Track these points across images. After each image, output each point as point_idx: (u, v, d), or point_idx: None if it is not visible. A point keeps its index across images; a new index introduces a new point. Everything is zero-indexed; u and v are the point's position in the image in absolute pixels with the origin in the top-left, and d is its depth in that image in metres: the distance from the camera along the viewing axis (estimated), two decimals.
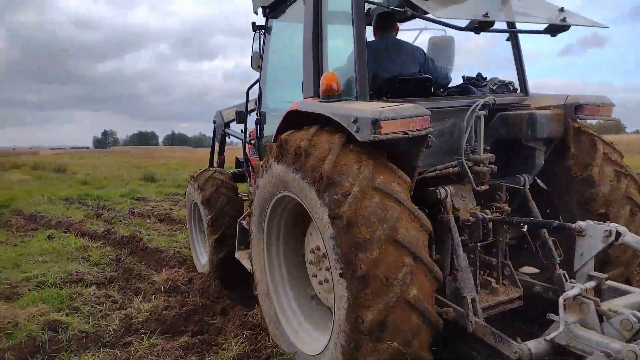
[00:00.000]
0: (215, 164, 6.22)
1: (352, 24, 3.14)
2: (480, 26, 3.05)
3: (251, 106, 5.01)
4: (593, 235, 2.58)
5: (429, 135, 2.71)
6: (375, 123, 2.54)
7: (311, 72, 3.44)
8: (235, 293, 4.96)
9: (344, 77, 3.30)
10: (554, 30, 3.31)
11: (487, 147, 3.29)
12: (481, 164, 3.17)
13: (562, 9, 3.32)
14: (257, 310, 3.95)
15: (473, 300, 2.80)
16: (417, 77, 3.73)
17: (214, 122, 6.38)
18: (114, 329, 3.98)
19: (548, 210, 3.61)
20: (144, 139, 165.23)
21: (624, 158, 3.53)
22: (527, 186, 3.46)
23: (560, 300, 2.34)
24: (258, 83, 4.58)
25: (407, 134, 2.60)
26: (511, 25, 3.65)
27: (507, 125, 3.50)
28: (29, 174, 21.75)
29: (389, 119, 2.55)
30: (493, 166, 3.23)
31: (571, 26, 3.26)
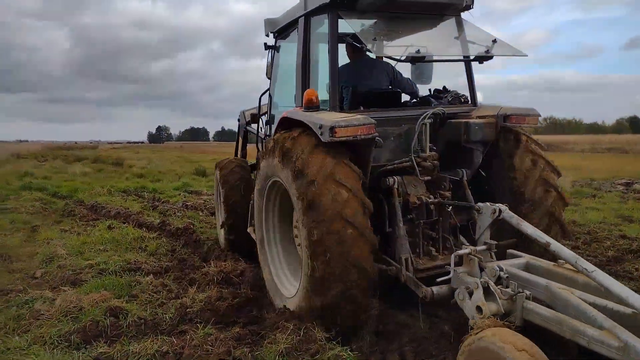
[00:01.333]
0: (239, 156, 7.11)
1: (328, 53, 4.18)
2: (414, 59, 4.30)
3: (263, 110, 5.94)
4: (485, 212, 3.47)
5: (377, 138, 3.65)
6: (332, 129, 3.51)
7: (300, 87, 4.44)
8: None
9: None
10: (481, 58, 4.37)
11: (433, 148, 4.21)
12: (426, 161, 4.10)
13: (494, 40, 4.27)
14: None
15: (406, 259, 3.76)
16: (387, 91, 4.87)
17: (238, 120, 7.23)
18: (170, 317, 4.13)
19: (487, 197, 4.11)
20: (195, 134, 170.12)
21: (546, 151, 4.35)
22: (465, 178, 4.28)
23: (452, 256, 3.26)
24: (268, 91, 5.59)
25: (356, 137, 3.56)
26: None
27: (451, 131, 4.33)
28: (90, 167, 22.88)
29: (342, 126, 3.52)
30: (436, 162, 4.15)
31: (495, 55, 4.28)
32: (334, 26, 4.16)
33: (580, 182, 14.80)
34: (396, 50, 4.40)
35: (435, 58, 4.62)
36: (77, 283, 5.09)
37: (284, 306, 4.02)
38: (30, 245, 7.24)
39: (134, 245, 6.85)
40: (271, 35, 5.45)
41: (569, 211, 9.60)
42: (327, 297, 3.44)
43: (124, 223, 8.38)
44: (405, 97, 5.15)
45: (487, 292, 2.92)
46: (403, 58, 4.21)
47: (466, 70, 4.73)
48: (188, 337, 3.71)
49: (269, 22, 5.40)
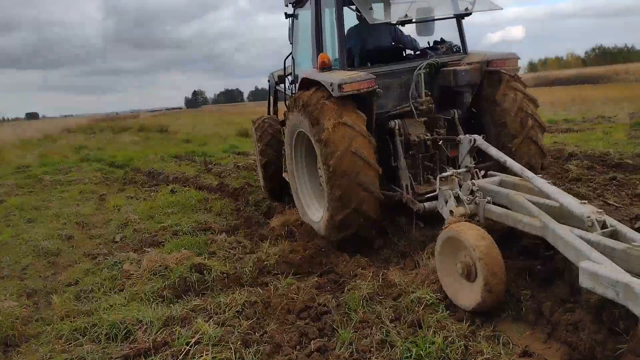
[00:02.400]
0: (271, 113, 7.76)
1: (335, 21, 5.00)
2: (404, 22, 5.26)
3: (288, 71, 6.66)
4: (464, 142, 4.28)
5: (377, 90, 4.51)
6: (340, 86, 4.39)
7: (315, 51, 5.23)
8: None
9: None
10: (460, 16, 5.32)
11: (428, 93, 4.92)
12: (423, 105, 4.85)
13: None
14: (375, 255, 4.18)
15: (407, 185, 4.71)
16: (390, 48, 5.72)
17: (268, 81, 7.89)
18: (250, 271, 4.34)
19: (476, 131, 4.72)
20: (230, 96, 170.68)
21: (527, 87, 5.02)
22: (457, 117, 5.06)
23: (437, 178, 4.17)
24: (291, 54, 6.35)
25: (360, 90, 4.42)
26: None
27: (443, 77, 5.06)
28: (137, 136, 23.62)
29: (348, 83, 4.39)
30: (431, 105, 4.87)
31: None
32: (339, 6, 5.00)
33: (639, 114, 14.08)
34: (388, 15, 5.47)
35: (421, 19, 5.48)
36: (156, 244, 5.40)
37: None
38: (102, 212, 7.69)
39: (198, 207, 7.15)
40: (290, 5, 6.18)
41: (631, 145, 9.23)
42: (344, 212, 4.38)
43: (184, 186, 8.70)
44: (409, 51, 5.94)
45: (459, 200, 3.87)
46: (394, 22, 5.32)
47: (456, 23, 5.48)
48: (272, 287, 3.92)
49: None
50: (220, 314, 3.54)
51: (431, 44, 5.71)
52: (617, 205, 5.33)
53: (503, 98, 4.88)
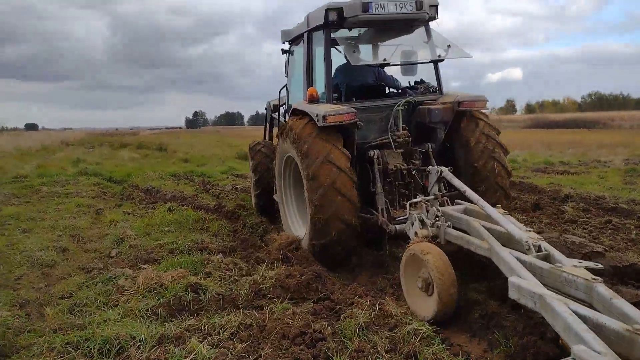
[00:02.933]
0: (267, 138, 8.45)
1: (323, 60, 5.59)
2: (383, 65, 6.27)
3: (282, 101, 7.34)
4: (432, 172, 4.95)
5: (358, 122, 5.06)
6: (324, 117, 4.90)
7: (305, 85, 5.87)
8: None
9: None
10: (435, 61, 5.93)
11: (405, 127, 5.57)
12: (400, 137, 5.48)
13: (449, 45, 5.73)
14: (378, 278, 4.16)
15: (382, 209, 5.21)
16: (373, 85, 6.35)
17: (266, 109, 8.68)
18: (245, 293, 4.32)
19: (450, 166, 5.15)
20: (230, 119, 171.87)
21: (500, 134, 5.57)
22: (430, 150, 5.63)
23: (407, 204, 4.70)
24: (286, 86, 7.04)
25: (342, 122, 4.95)
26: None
27: (419, 114, 5.66)
28: (136, 153, 23.68)
29: (331, 115, 4.91)
30: (407, 139, 5.52)
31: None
32: (327, 40, 5.60)
33: (634, 160, 14.30)
34: (369, 57, 6.47)
35: (399, 62, 6.12)
36: (152, 261, 5.39)
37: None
38: (98, 227, 7.67)
39: (195, 226, 7.14)
40: (287, 42, 6.88)
41: (625, 191, 9.36)
42: (324, 240, 4.96)
43: (182, 205, 8.70)
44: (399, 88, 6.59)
45: (423, 223, 4.43)
46: (374, 64, 6.26)
47: (434, 67, 6.03)
48: (267, 311, 3.91)
49: (284, 33, 6.84)
50: (214, 335, 3.52)
51: (412, 84, 6.41)
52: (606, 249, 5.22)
53: (476, 143, 5.42)
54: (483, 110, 5.66)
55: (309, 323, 3.66)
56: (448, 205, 4.69)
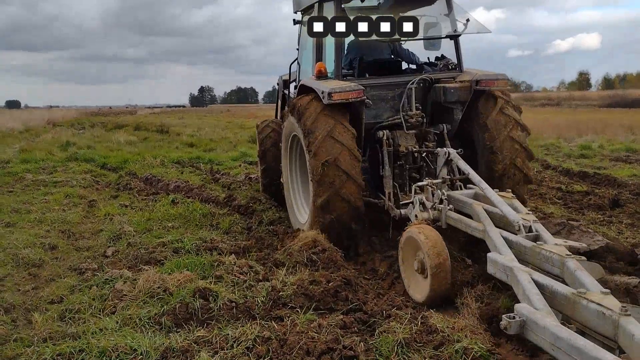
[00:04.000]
0: (278, 117, 8.91)
1: (335, 38, 6.09)
2: (393, 40, 6.70)
3: (293, 76, 7.85)
4: (440, 155, 5.67)
5: (366, 100, 5.63)
6: (330, 94, 5.45)
7: (314, 59, 6.40)
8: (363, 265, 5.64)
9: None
10: (450, 37, 6.43)
11: (419, 107, 6.07)
12: (412, 118, 6.00)
13: (467, 20, 6.15)
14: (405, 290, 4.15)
15: (389, 193, 5.80)
16: (388, 60, 6.92)
17: (277, 84, 9.27)
18: (262, 301, 4.39)
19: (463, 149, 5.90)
20: (242, 95, 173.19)
21: (522, 113, 6.16)
22: (445, 131, 6.13)
23: (413, 187, 5.31)
24: (297, 60, 7.56)
25: (348, 99, 5.49)
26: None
27: (435, 93, 6.13)
28: (133, 135, 24.11)
29: (337, 92, 5.45)
30: (420, 119, 6.04)
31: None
32: (338, 12, 6.05)
33: None
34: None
35: (415, 37, 6.44)
36: (154, 262, 5.52)
37: (299, 229, 6.15)
38: (91, 221, 7.89)
39: (203, 222, 7.28)
40: (299, 12, 7.23)
41: None
42: (325, 220, 5.53)
43: (188, 197, 8.87)
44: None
45: (424, 207, 5.09)
46: (385, 38, 6.50)
47: (454, 42, 6.48)
48: (288, 322, 3.96)
49: (295, 2, 7.30)
50: (227, 349, 3.60)
51: (433, 60, 6.86)
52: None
53: (494, 122, 5.89)
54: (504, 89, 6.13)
55: (337, 338, 3.69)
56: (461, 188, 5.39)
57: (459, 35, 6.34)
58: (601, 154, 14.28)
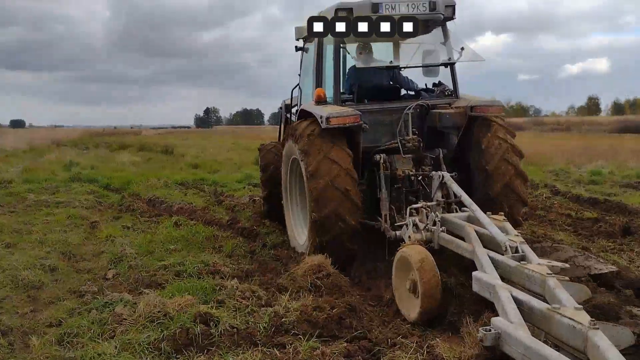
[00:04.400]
0: (281, 140, 8.96)
1: (333, 64, 6.61)
2: (389, 67, 7.04)
3: (295, 101, 8.20)
4: (435, 178, 5.90)
5: (363, 125, 5.89)
6: (328, 119, 5.74)
7: (314, 85, 6.73)
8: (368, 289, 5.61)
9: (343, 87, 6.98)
10: (444, 64, 6.77)
11: (415, 132, 6.32)
12: (409, 142, 6.24)
13: (462, 48, 6.53)
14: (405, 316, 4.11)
15: (385, 215, 6.03)
16: (387, 87, 7.29)
17: (280, 108, 9.51)
18: (264, 327, 4.37)
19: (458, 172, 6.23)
20: (248, 117, 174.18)
21: (515, 137, 6.39)
22: (441, 155, 6.39)
23: (408, 209, 5.56)
24: (298, 85, 7.92)
25: (345, 124, 5.79)
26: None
27: (431, 119, 6.46)
28: (137, 156, 24.27)
29: (334, 117, 5.76)
30: (417, 143, 6.26)
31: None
32: (337, 46, 6.64)
33: None
34: (374, 62, 7.02)
35: (411, 64, 7.04)
36: (155, 285, 5.50)
37: (301, 252, 6.39)
38: (92, 243, 7.89)
39: (206, 245, 7.28)
40: (301, 39, 7.63)
41: None
42: (323, 239, 5.75)
43: (191, 219, 8.87)
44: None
45: (417, 228, 5.34)
46: (381, 66, 6.97)
47: (450, 69, 6.81)
48: (290, 350, 3.93)
49: (298, 30, 7.61)
50: None
51: (431, 86, 7.24)
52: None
53: (489, 146, 6.15)
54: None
55: None
56: (457, 211, 5.68)
57: (454, 63, 6.70)
58: (611, 180, 14.22)
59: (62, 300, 5.33)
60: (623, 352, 2.83)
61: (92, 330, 4.41)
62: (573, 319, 3.06)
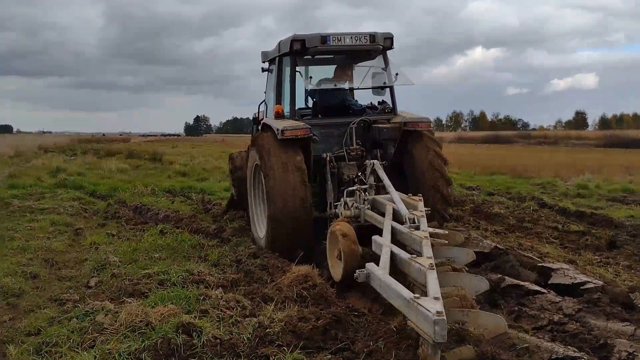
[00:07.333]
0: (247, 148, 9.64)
1: (289, 82, 7.82)
2: (333, 89, 8.19)
3: (261, 115, 9.44)
4: (368, 166, 6.99)
5: (313, 137, 7.12)
6: (282, 131, 6.84)
7: (274, 102, 8.09)
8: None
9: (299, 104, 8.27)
10: (380, 88, 8.15)
11: (359, 142, 7.58)
12: (353, 152, 7.48)
13: (397, 73, 7.82)
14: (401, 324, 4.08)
15: (330, 202, 7.20)
16: (338, 105, 8.31)
17: (252, 120, 10.35)
18: (248, 338, 4.29)
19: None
20: (238, 125, 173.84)
21: (442, 147, 7.61)
22: (379, 155, 7.47)
23: (345, 191, 6.53)
24: (264, 101, 9.25)
25: (297, 136, 6.89)
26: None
27: (372, 132, 7.69)
28: (125, 163, 24.09)
29: (288, 129, 6.85)
30: (359, 152, 7.51)
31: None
32: (292, 66, 7.77)
33: None
34: (322, 84, 8.20)
35: (354, 86, 8.37)
36: (138, 294, 5.40)
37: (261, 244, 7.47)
38: (76, 250, 7.80)
39: (192, 253, 7.19)
40: (267, 62, 9.12)
41: None
42: (278, 233, 6.79)
43: (177, 228, 8.79)
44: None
45: (348, 206, 6.30)
46: (328, 88, 8.17)
47: (389, 90, 8.08)
48: None
49: (263, 54, 9.14)
50: None
51: (371, 104, 8.53)
52: None
53: (419, 154, 7.32)
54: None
55: None
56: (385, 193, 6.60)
57: (389, 86, 7.98)
58: (598, 193, 14.31)
59: (42, 309, 5.22)
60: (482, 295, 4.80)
61: (71, 340, 4.30)
62: (420, 263, 4.20)
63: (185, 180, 17.26)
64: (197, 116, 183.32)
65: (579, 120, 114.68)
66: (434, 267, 4.04)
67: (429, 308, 3.36)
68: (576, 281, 5.64)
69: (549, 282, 5.83)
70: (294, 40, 7.46)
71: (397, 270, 4.59)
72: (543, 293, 5.41)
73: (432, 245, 4.83)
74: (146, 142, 60.76)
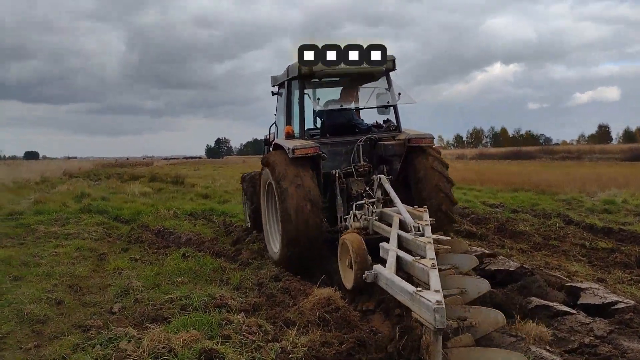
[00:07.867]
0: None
1: (298, 105, 8.16)
2: (340, 109, 8.62)
3: (272, 137, 9.85)
4: (375, 180, 7.42)
5: (322, 154, 7.38)
6: (293, 150, 7.15)
7: (284, 123, 8.48)
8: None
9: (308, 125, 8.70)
10: (384, 107, 8.45)
11: (366, 159, 7.90)
12: (361, 168, 7.77)
13: (399, 93, 8.17)
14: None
15: (340, 217, 7.48)
16: (346, 124, 8.73)
17: (264, 141, 10.93)
18: None
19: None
20: (258, 147, 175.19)
21: (448, 167, 7.93)
22: (386, 177, 7.49)
23: (354, 205, 7.00)
24: (275, 123, 9.71)
25: (307, 154, 7.20)
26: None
27: (378, 149, 7.98)
28: (148, 187, 24.34)
29: (298, 148, 7.17)
30: (366, 169, 7.79)
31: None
32: (301, 89, 8.15)
33: None
34: (330, 104, 8.65)
35: (360, 106, 8.70)
36: (160, 320, 5.39)
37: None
38: (100, 275, 7.84)
39: (214, 277, 7.18)
40: (276, 86, 9.54)
41: None
42: (294, 250, 7.04)
43: (199, 251, 8.80)
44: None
45: (357, 218, 6.70)
46: (335, 108, 8.58)
47: (393, 109, 8.44)
48: None
49: (273, 78, 9.52)
50: None
51: (377, 123, 8.88)
52: None
53: (424, 175, 7.64)
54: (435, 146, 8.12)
55: None
56: (390, 207, 6.94)
57: (392, 105, 8.36)
58: (625, 208, 14.00)
59: (67, 335, 5.23)
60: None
61: None
62: (422, 264, 4.56)
63: (207, 202, 17.35)
64: (218, 138, 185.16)
65: (603, 133, 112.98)
66: (436, 266, 4.44)
67: (429, 298, 3.69)
68: (606, 301, 5.46)
69: (578, 302, 5.67)
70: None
71: (402, 272, 4.90)
72: (572, 314, 5.27)
73: (437, 252, 5.07)
74: (169, 165, 61.50)
